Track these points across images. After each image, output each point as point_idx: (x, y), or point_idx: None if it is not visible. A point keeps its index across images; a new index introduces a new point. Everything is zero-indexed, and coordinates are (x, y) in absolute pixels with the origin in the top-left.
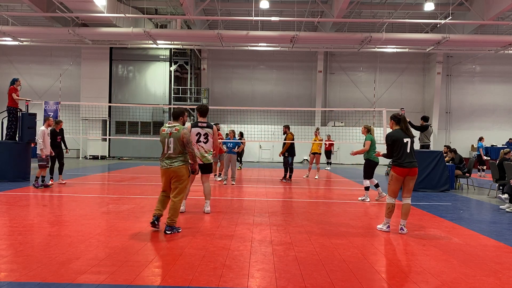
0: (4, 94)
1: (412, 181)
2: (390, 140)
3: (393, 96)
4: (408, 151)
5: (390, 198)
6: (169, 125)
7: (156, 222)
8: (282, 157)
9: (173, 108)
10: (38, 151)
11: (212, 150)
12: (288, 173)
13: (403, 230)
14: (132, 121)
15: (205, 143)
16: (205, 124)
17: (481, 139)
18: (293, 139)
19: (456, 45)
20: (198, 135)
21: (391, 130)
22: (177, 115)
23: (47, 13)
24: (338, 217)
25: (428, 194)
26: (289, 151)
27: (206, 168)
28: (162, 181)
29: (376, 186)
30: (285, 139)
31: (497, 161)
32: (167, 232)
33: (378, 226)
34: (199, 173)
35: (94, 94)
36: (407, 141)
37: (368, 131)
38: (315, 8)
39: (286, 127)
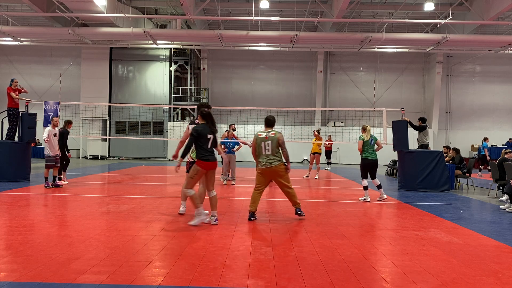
0: (4, 94)
1: (213, 173)
2: (196, 132)
3: (393, 96)
4: (209, 146)
5: (192, 190)
6: (265, 131)
7: (252, 218)
8: None
9: (268, 117)
10: (45, 151)
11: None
12: None
13: (217, 221)
14: (132, 121)
15: None
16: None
17: (485, 139)
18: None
19: (456, 45)
20: None
21: (198, 124)
22: (272, 123)
23: (47, 13)
24: (338, 217)
25: (428, 194)
26: None
27: None
28: (259, 179)
29: (379, 187)
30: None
31: (497, 161)
32: (298, 213)
33: (192, 222)
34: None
35: (94, 94)
36: (210, 137)
37: (363, 130)
38: (315, 8)
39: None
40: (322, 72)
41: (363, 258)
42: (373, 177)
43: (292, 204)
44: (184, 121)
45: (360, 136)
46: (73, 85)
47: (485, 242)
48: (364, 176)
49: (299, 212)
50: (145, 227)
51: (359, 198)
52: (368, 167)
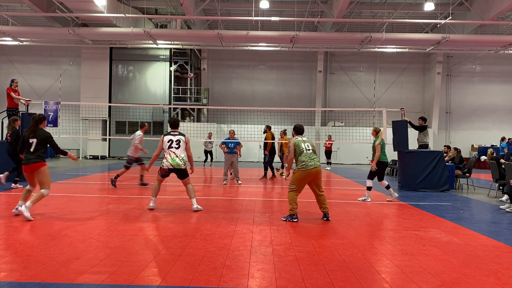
0: (4, 94)
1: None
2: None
3: (393, 96)
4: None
5: None
6: (300, 136)
7: (295, 219)
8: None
9: (298, 126)
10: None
11: (182, 156)
12: (266, 171)
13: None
14: (132, 121)
15: (177, 148)
16: (177, 133)
17: (503, 139)
18: (272, 139)
19: (456, 45)
20: (170, 142)
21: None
22: (303, 131)
23: (47, 13)
24: (338, 217)
25: (428, 194)
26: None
27: (182, 174)
28: (300, 183)
29: (387, 187)
30: (265, 138)
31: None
32: (328, 217)
33: None
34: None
35: (94, 94)
36: (32, 141)
37: (376, 133)
38: (315, 8)
39: (267, 127)
40: (322, 72)
41: (363, 258)
42: (381, 178)
43: (321, 209)
44: (184, 121)
45: (376, 140)
46: (73, 85)
47: (485, 242)
48: (371, 177)
49: (328, 217)
50: (145, 227)
51: (358, 198)
52: (383, 169)
